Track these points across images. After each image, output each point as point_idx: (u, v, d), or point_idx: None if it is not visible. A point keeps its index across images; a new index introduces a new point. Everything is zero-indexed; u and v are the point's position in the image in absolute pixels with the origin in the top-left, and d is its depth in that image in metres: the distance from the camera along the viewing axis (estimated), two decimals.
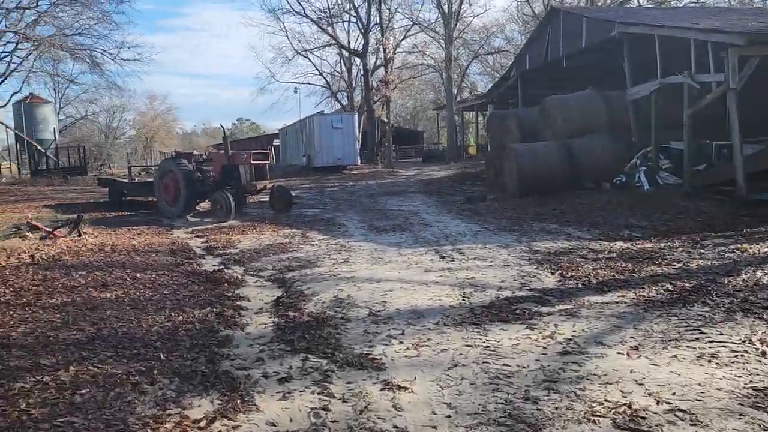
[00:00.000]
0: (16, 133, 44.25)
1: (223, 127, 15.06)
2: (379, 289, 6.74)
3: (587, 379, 3.92)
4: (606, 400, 3.59)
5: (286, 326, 5.51)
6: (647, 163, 14.42)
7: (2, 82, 30.95)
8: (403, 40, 42.38)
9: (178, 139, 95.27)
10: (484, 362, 4.33)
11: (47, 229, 10.96)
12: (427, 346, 4.76)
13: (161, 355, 4.60)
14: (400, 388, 3.93)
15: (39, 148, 42.32)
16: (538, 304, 5.83)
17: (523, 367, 4.20)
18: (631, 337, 4.73)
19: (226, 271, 8.29)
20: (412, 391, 3.88)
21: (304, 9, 42.19)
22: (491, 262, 8.04)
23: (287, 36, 46.44)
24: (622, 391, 3.72)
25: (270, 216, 14.51)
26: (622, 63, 15.91)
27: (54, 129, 48.56)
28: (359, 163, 34.68)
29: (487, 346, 4.67)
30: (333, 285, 7.07)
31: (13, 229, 10.83)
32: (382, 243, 10.11)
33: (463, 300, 6.14)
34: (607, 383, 3.85)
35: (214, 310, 6.14)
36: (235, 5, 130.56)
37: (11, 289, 7.04)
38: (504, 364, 4.27)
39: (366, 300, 6.29)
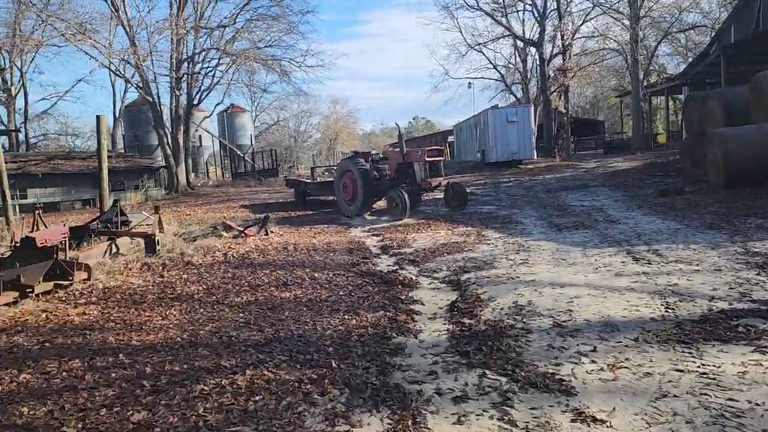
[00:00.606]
0: (220, 141, 49.46)
1: (398, 126, 15.14)
2: (564, 296, 6.08)
3: None
4: None
5: (461, 335, 5.12)
6: None
7: (208, 95, 34.27)
8: (582, 24, 39.83)
9: (358, 140, 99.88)
10: (701, 394, 3.55)
11: (239, 228, 11.75)
12: (626, 367, 4.06)
13: (333, 363, 4.46)
14: (595, 420, 3.33)
15: (238, 153, 46.87)
16: (766, 320, 4.78)
17: (757, 405, 3.36)
18: None
19: (400, 271, 8.14)
20: (611, 426, 3.27)
21: (477, 2, 41.54)
22: (697, 265, 6.91)
23: (461, 31, 46.31)
24: None
25: (444, 213, 14.28)
26: None
27: (250, 135, 53.63)
28: (535, 157, 33.31)
29: (704, 373, 3.85)
30: (511, 289, 6.54)
31: (211, 229, 11.78)
32: (564, 242, 9.30)
33: (667, 311, 5.26)
34: None
35: (387, 314, 5.95)
36: (411, 7, 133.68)
37: (204, 286, 7.52)
38: (729, 399, 3.46)
39: (549, 308, 5.68)
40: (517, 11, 42.93)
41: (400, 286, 7.17)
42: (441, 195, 15.84)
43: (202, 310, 6.39)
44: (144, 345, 5.20)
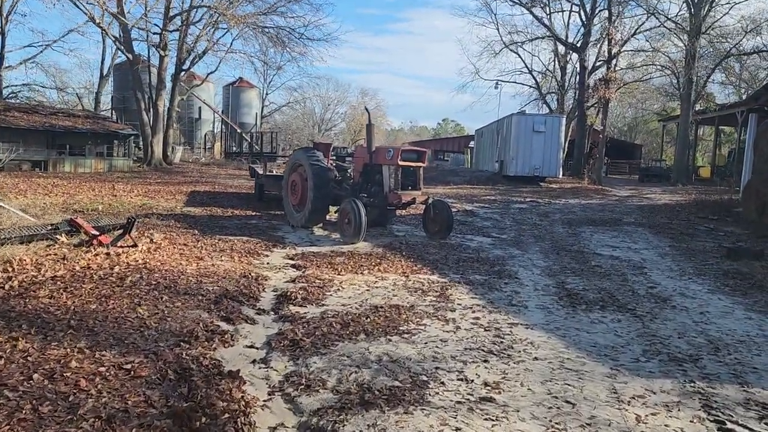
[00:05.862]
0: (219, 114, 45.76)
1: (368, 111, 10.96)
2: None
3: None
4: None
5: None
6: None
7: (200, 60, 30.50)
8: (635, 34, 34.94)
9: (383, 135, 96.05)
10: None
11: (93, 231, 7.82)
12: None
13: None
14: None
15: (238, 130, 43.06)
16: None
17: None
18: None
19: (250, 372, 4.14)
20: None
21: None
22: None
23: (497, 27, 41.67)
24: None
25: (416, 242, 10.16)
26: None
27: (256, 114, 49.74)
28: (560, 176, 29.04)
29: None
30: None
31: (48, 228, 7.88)
32: (578, 343, 5.20)
33: None
34: None
35: None
36: (455, 10, 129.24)
37: None
38: None
39: None
40: (563, 10, 38.49)
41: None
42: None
43: None
44: None
